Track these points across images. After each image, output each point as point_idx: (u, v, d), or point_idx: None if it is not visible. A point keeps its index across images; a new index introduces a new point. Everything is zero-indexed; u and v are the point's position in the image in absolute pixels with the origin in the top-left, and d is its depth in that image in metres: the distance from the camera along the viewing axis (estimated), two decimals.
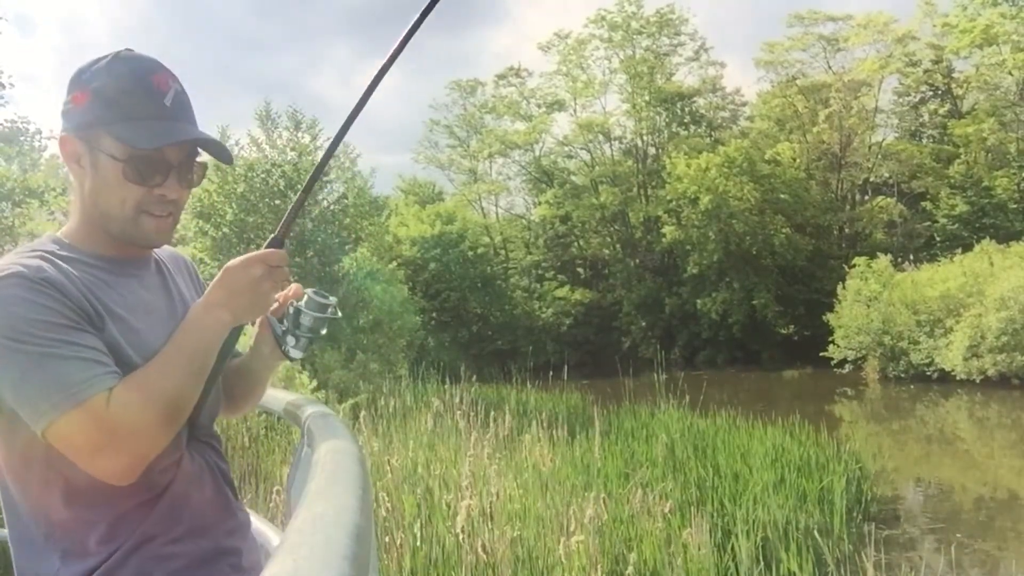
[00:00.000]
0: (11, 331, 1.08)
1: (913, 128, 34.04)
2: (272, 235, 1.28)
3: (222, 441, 1.45)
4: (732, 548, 5.34)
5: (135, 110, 1.21)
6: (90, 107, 1.21)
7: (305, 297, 1.35)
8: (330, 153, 1.36)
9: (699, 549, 5.03)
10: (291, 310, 1.36)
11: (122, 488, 1.14)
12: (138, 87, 1.21)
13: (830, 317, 23.96)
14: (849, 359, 22.76)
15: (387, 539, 4.32)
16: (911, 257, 26.30)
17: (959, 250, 23.28)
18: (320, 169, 1.35)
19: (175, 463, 1.25)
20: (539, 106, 37.22)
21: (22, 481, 1.18)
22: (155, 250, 1.40)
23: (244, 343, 1.52)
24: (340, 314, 1.40)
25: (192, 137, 1.25)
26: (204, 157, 1.32)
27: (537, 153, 37.62)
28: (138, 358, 1.18)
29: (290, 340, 1.36)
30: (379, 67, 1.27)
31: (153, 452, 1.13)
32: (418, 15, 1.28)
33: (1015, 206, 27.31)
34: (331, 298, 1.37)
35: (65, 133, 1.24)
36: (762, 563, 5.29)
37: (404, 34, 1.28)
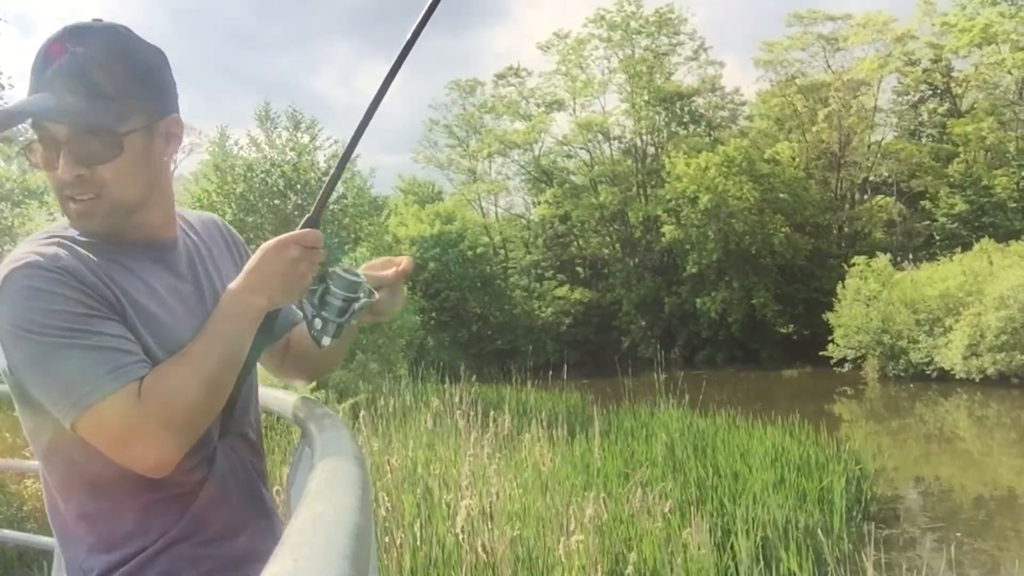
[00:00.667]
0: (31, 324, 1.03)
1: (912, 127, 34.06)
2: (307, 215, 1.23)
3: (260, 434, 1.39)
4: (732, 548, 5.34)
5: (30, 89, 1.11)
6: None
7: (333, 276, 1.23)
8: (357, 139, 1.28)
9: (699, 549, 5.03)
10: (319, 290, 1.23)
11: (151, 484, 1.11)
12: (36, 61, 1.11)
13: (829, 316, 23.98)
14: (848, 358, 22.77)
15: (387, 539, 4.32)
16: (910, 256, 26.34)
17: (958, 249, 23.30)
18: (352, 147, 1.28)
19: (207, 460, 1.21)
20: (538, 106, 37.26)
21: (55, 471, 1.16)
22: (188, 224, 1.34)
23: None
24: (376, 295, 1.27)
25: (30, 111, 1.09)
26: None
27: (536, 153, 37.64)
28: (158, 348, 1.13)
29: (317, 323, 1.23)
30: (387, 70, 1.22)
31: (186, 445, 1.09)
32: (420, 17, 1.22)
33: (1014, 205, 27.33)
34: (361, 276, 1.26)
35: None
36: (762, 562, 5.29)
37: (409, 37, 1.22)
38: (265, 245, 1.18)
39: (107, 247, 1.17)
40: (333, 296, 1.22)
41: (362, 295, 1.24)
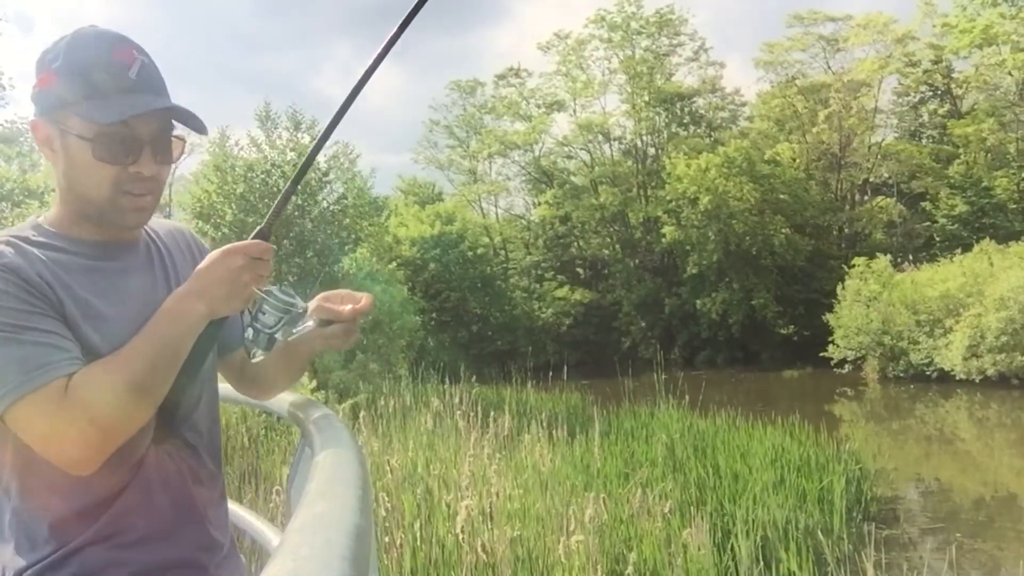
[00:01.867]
0: None
1: (913, 128, 34.07)
2: (258, 227, 1.24)
3: (211, 442, 1.38)
4: (732, 548, 5.34)
5: (99, 86, 1.16)
6: (55, 88, 1.17)
7: (269, 293, 1.24)
8: (320, 145, 1.28)
9: (699, 549, 5.03)
10: (256, 305, 1.25)
11: (76, 485, 1.12)
12: (100, 62, 1.17)
13: (829, 317, 23.97)
14: (849, 359, 22.76)
15: (387, 539, 4.32)
16: (911, 257, 26.32)
17: (959, 250, 23.28)
18: (310, 160, 1.28)
19: (137, 462, 1.20)
20: (539, 106, 37.25)
21: None
22: (154, 229, 1.37)
23: None
24: (309, 322, 1.28)
25: (157, 106, 1.19)
26: (182, 132, 1.26)
27: (537, 153, 37.64)
28: (104, 346, 1.15)
29: (249, 332, 1.24)
30: (369, 63, 1.24)
31: (113, 442, 1.09)
32: (407, 14, 1.24)
33: (1015, 206, 27.32)
34: (297, 299, 1.25)
35: (35, 118, 1.21)
36: (762, 563, 5.29)
37: (394, 31, 1.25)
38: (212, 252, 1.20)
39: (63, 247, 1.20)
40: (266, 313, 1.23)
41: (296, 311, 1.25)
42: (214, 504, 1.35)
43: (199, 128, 1.23)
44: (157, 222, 1.41)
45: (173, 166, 1.29)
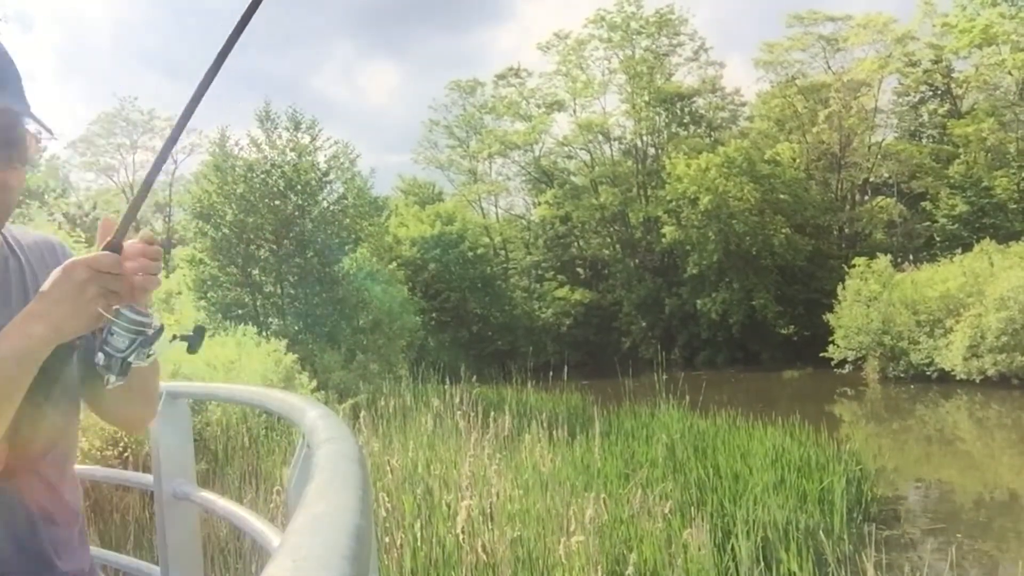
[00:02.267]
0: None
1: (913, 128, 34.06)
2: (109, 238, 1.09)
3: (72, 473, 1.27)
4: (732, 548, 5.34)
5: None
6: None
7: (118, 313, 1.09)
8: (169, 147, 1.18)
9: (699, 549, 5.03)
10: (105, 326, 1.10)
11: None
12: None
13: (830, 317, 23.98)
14: (849, 359, 22.77)
15: (387, 539, 4.32)
16: (911, 257, 26.34)
17: (959, 250, 23.30)
18: (161, 162, 1.18)
19: None
20: (539, 106, 37.26)
21: None
22: (17, 240, 1.25)
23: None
24: (170, 340, 1.14)
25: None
26: (36, 128, 1.15)
27: (537, 153, 37.66)
28: None
29: (99, 357, 1.09)
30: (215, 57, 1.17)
31: None
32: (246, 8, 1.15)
33: (1015, 206, 27.32)
34: (152, 318, 1.11)
35: None
36: (762, 563, 5.29)
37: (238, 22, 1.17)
38: (56, 269, 1.07)
39: None
40: (115, 335, 1.10)
41: (150, 333, 1.11)
42: (71, 545, 1.22)
43: (45, 128, 1.12)
44: (23, 232, 1.29)
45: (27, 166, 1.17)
